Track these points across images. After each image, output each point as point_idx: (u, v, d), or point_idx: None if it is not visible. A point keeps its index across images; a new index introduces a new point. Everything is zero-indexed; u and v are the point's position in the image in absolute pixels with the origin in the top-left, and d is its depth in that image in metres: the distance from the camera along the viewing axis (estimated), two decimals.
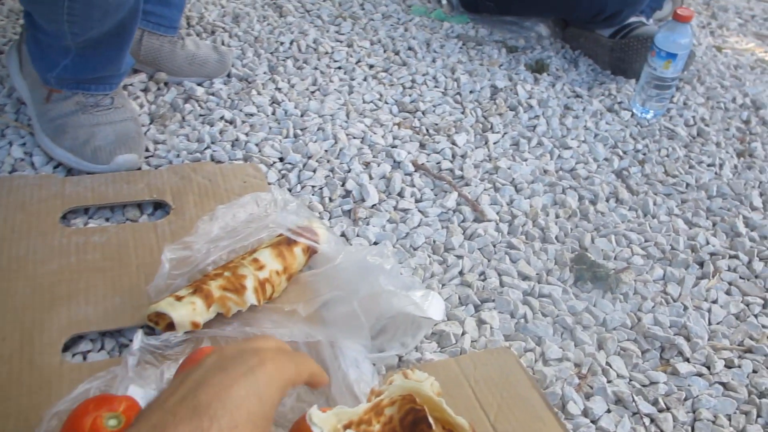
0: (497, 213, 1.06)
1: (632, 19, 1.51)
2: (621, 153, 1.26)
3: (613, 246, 1.03)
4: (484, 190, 1.10)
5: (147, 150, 1.08)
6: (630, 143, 1.30)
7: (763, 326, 0.94)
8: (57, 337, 0.74)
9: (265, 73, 1.31)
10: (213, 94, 1.22)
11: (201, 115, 1.17)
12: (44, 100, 1.04)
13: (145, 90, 1.21)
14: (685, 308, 0.95)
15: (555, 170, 1.19)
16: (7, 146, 1.04)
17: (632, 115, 1.39)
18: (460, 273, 0.95)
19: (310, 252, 0.86)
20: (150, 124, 1.14)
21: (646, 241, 1.06)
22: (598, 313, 0.91)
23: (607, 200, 1.14)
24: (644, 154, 1.27)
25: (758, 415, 0.82)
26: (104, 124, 1.02)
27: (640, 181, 1.20)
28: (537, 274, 0.96)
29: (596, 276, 0.96)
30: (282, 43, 1.40)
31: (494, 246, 1.00)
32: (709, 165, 1.28)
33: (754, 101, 1.51)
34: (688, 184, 1.21)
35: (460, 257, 0.97)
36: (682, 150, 1.30)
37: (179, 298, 0.76)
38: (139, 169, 1.03)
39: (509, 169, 1.16)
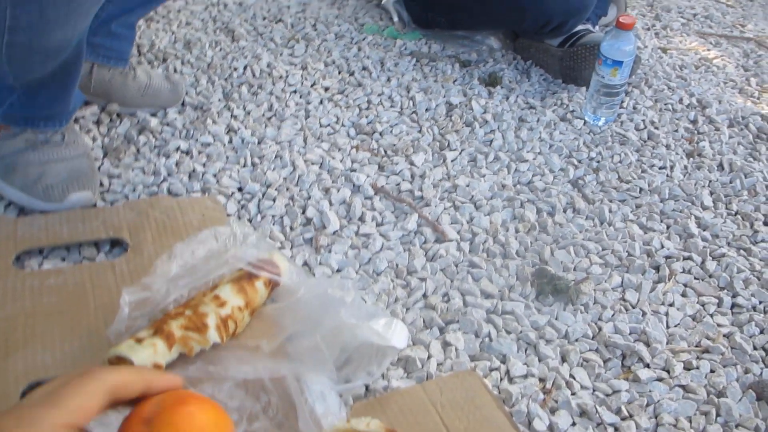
0: (458, 232, 1.07)
1: (579, 27, 1.55)
2: (576, 162, 1.29)
3: (572, 257, 1.05)
4: (444, 209, 1.12)
5: (102, 185, 1.07)
6: (584, 152, 1.32)
7: (719, 325, 0.97)
8: (14, 386, 0.73)
9: (219, 100, 1.30)
10: (167, 125, 1.21)
11: (156, 147, 1.16)
12: None
13: (98, 122, 1.20)
14: (644, 314, 0.97)
15: (513, 184, 1.21)
16: None
17: (585, 123, 1.41)
18: (424, 296, 0.95)
19: (272, 285, 0.86)
20: (104, 157, 1.12)
21: (603, 249, 1.08)
22: (560, 326, 0.93)
23: (565, 211, 1.16)
24: (598, 162, 1.30)
25: (717, 414, 0.84)
26: (56, 161, 1.01)
27: (595, 189, 1.23)
28: (499, 291, 0.98)
29: (557, 289, 0.98)
30: (236, 69, 1.40)
31: (456, 266, 1.01)
32: (660, 168, 1.31)
33: (699, 101, 1.55)
34: (641, 189, 1.24)
35: (423, 280, 0.97)
36: (634, 155, 1.33)
37: (139, 341, 0.75)
38: (95, 206, 1.01)
39: (468, 186, 1.17)
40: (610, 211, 1.16)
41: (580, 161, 1.29)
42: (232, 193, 1.08)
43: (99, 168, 1.09)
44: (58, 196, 0.97)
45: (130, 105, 1.21)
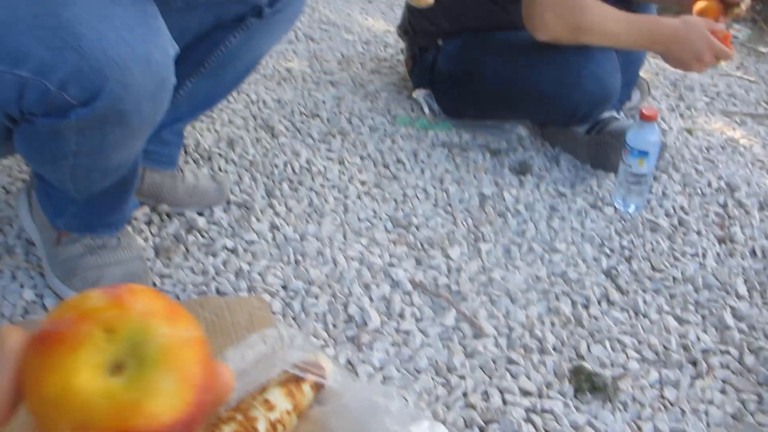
0: (495, 327, 1.10)
1: (604, 114, 1.60)
2: (608, 251, 1.32)
3: (608, 352, 1.07)
4: (481, 303, 1.15)
5: (153, 285, 1.13)
6: (616, 240, 1.35)
7: (760, 424, 0.97)
8: None
9: (262, 197, 1.37)
10: (214, 223, 1.28)
11: (204, 246, 1.22)
12: (54, 243, 1.08)
13: (149, 222, 1.26)
14: (683, 412, 0.98)
15: (547, 276, 1.24)
16: (19, 288, 1.08)
17: (615, 210, 1.45)
18: (464, 394, 0.98)
19: (318, 387, 0.90)
20: (155, 257, 1.19)
21: (639, 343, 1.10)
22: (599, 426, 0.94)
23: (599, 303, 1.18)
24: (630, 251, 1.33)
25: None
26: (112, 264, 1.07)
27: (629, 279, 1.25)
28: (538, 388, 1.00)
29: (595, 386, 1.00)
30: (276, 166, 1.47)
31: (494, 362, 1.04)
32: (692, 255, 1.33)
33: (728, 183, 1.58)
34: (674, 278, 1.26)
35: (462, 378, 1.00)
36: (665, 242, 1.36)
37: None
38: None
39: (503, 279, 1.21)
40: (644, 302, 1.18)
41: (612, 250, 1.32)
42: (277, 291, 1.13)
43: (151, 268, 1.15)
44: None
45: (179, 205, 1.29)
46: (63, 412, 0.27)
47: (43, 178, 1.03)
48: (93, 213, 1.06)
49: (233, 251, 1.22)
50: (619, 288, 1.22)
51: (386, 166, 1.52)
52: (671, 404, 0.99)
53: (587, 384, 1.00)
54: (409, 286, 1.16)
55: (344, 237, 1.28)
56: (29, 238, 1.16)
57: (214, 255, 1.20)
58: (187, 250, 1.21)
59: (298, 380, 0.88)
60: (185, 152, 1.49)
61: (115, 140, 0.88)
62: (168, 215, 1.28)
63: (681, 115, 1.96)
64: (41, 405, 0.28)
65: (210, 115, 1.64)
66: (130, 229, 1.21)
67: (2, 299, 1.05)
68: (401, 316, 1.11)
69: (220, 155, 1.49)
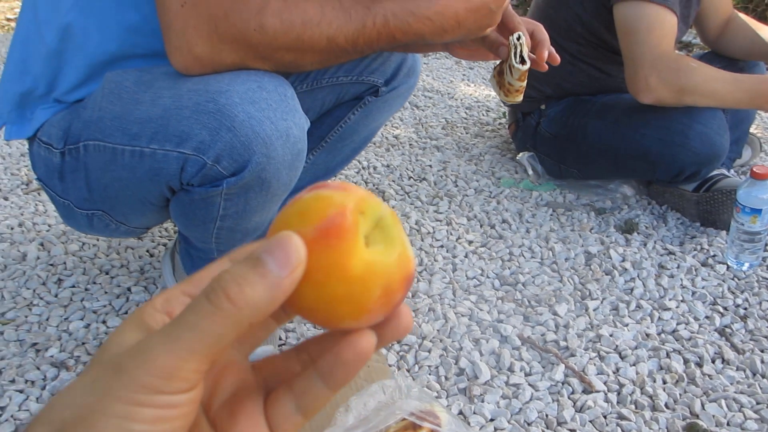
0: (604, 383, 1.12)
1: (714, 172, 1.59)
2: (721, 309, 1.30)
3: (724, 411, 1.06)
4: (590, 359, 1.17)
5: (279, 339, 1.23)
6: (729, 298, 1.33)
7: None
8: None
9: None
10: None
11: None
12: None
13: None
14: None
15: (657, 333, 1.24)
16: None
17: (728, 267, 1.43)
18: None
19: None
20: None
21: (758, 403, 1.08)
22: None
23: (713, 361, 1.17)
24: (745, 309, 1.31)
25: None
26: None
27: (744, 338, 1.23)
28: None
29: None
30: None
31: (605, 417, 1.05)
32: None
33: None
34: None
35: (573, 431, 1.02)
36: None
37: None
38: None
39: (611, 336, 1.22)
40: (762, 362, 1.16)
41: (726, 308, 1.31)
42: (392, 346, 1.20)
43: None
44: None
45: None
46: (370, 284, 0.32)
47: (188, 240, 1.17)
48: None
49: None
50: (734, 347, 1.21)
51: (492, 226, 1.58)
52: None
53: None
54: (518, 342, 1.20)
55: (453, 294, 1.34)
56: None
57: None
58: None
59: (415, 428, 0.94)
60: None
61: (256, 204, 1.00)
62: None
63: None
64: (348, 284, 0.32)
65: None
66: None
67: None
68: (510, 369, 1.14)
69: None
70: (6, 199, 1.69)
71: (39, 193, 1.70)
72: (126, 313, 1.27)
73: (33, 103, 1.02)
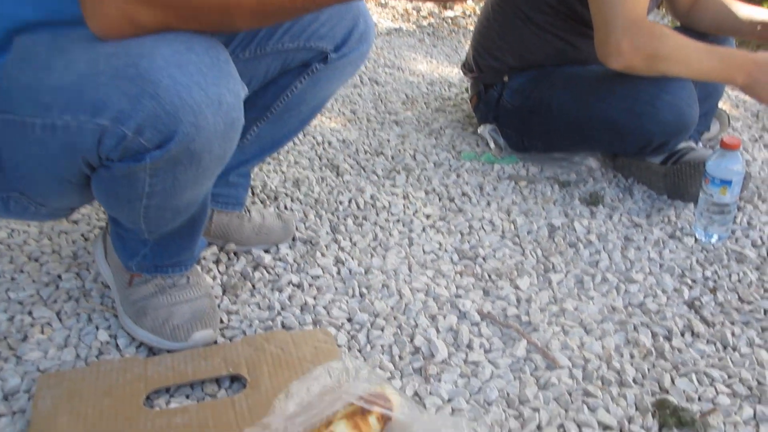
0: (569, 358, 1.05)
1: (681, 145, 1.54)
2: (690, 282, 1.24)
3: (695, 386, 1.00)
4: (553, 334, 1.10)
5: (221, 321, 1.13)
6: (698, 271, 1.28)
7: None
8: None
9: (327, 233, 1.37)
10: (280, 260, 1.28)
11: (270, 282, 1.23)
12: (126, 284, 1.11)
13: (217, 261, 1.28)
14: None
15: (623, 306, 1.18)
16: (94, 330, 1.10)
17: (696, 240, 1.37)
18: (538, 427, 0.92)
19: (385, 420, 0.86)
20: (223, 294, 1.19)
21: (729, 377, 1.02)
22: None
23: (683, 335, 1.11)
24: (715, 281, 1.25)
25: None
26: (181, 302, 1.08)
27: (714, 311, 1.17)
28: (618, 423, 0.93)
29: (681, 421, 0.92)
30: (341, 202, 1.48)
31: (570, 395, 0.98)
32: None
33: None
34: (765, 310, 1.17)
35: (536, 410, 0.95)
36: (753, 273, 1.27)
37: None
38: (215, 342, 1.07)
39: (576, 309, 1.15)
40: (733, 334, 1.10)
41: (694, 281, 1.25)
42: (342, 324, 1.12)
43: (219, 305, 1.16)
44: (184, 335, 1.03)
45: (246, 243, 1.30)
46: None
47: (117, 221, 1.06)
48: (163, 253, 1.08)
49: (298, 286, 1.21)
50: (704, 320, 1.15)
51: (451, 200, 1.50)
52: None
53: (673, 419, 0.93)
54: (477, 317, 1.13)
55: (409, 269, 1.26)
56: (104, 282, 1.20)
57: (280, 290, 1.20)
58: (254, 286, 1.22)
59: (364, 412, 0.85)
60: (252, 193, 1.52)
61: (186, 179, 0.90)
62: (235, 254, 1.30)
63: (766, 146, 1.87)
64: None
65: (276, 157, 1.68)
66: (199, 268, 1.23)
67: (78, 341, 1.08)
68: (469, 347, 1.07)
69: (286, 194, 1.51)
70: None
71: None
72: (55, 302, 1.16)
73: None
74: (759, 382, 1.00)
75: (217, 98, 0.82)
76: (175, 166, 0.85)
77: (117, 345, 1.08)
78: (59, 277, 1.22)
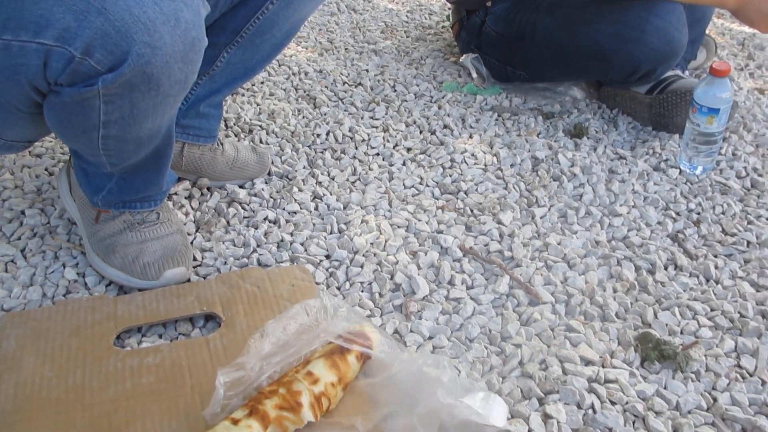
0: (552, 293, 1.03)
1: (668, 73, 1.49)
2: (674, 214, 1.22)
3: (677, 319, 0.99)
4: (536, 269, 1.08)
5: (195, 259, 1.09)
6: (682, 203, 1.26)
7: None
8: None
9: (304, 167, 1.32)
10: (255, 195, 1.24)
11: (245, 218, 1.18)
12: (93, 221, 1.06)
13: (189, 197, 1.23)
14: (763, 383, 0.89)
15: (607, 240, 1.16)
16: (61, 268, 1.06)
17: (680, 172, 1.35)
18: (520, 363, 0.91)
19: (364, 358, 0.85)
20: (196, 231, 1.15)
21: (712, 310, 1.01)
22: (670, 397, 0.86)
23: (666, 268, 1.10)
24: (698, 214, 1.23)
25: None
26: (151, 239, 1.04)
27: (697, 244, 1.16)
28: (600, 357, 0.92)
29: (664, 354, 0.92)
30: (318, 135, 1.42)
31: (552, 330, 0.97)
32: (767, 219, 1.22)
33: None
34: (749, 242, 1.16)
35: (518, 346, 0.93)
36: (737, 205, 1.25)
37: (235, 422, 0.74)
38: (188, 280, 1.03)
39: (559, 244, 1.13)
40: (716, 267, 1.09)
41: (678, 213, 1.23)
42: (320, 261, 1.08)
43: (192, 242, 1.12)
44: (155, 273, 0.99)
45: (220, 178, 1.25)
46: None
47: (78, 154, 1.00)
48: (130, 188, 1.03)
49: (275, 222, 1.17)
50: (687, 252, 1.13)
51: (432, 132, 1.46)
52: (750, 374, 0.91)
53: (655, 352, 0.92)
54: (459, 253, 1.10)
55: (389, 204, 1.22)
56: (71, 218, 1.15)
57: (256, 227, 1.16)
58: (228, 223, 1.17)
59: (342, 351, 0.83)
60: (226, 126, 1.46)
61: (145, 107, 0.84)
62: (209, 189, 1.25)
63: (751, 75, 1.82)
64: None
65: (251, 88, 1.61)
66: (170, 204, 1.19)
67: (45, 279, 1.04)
68: (451, 283, 1.04)
69: (261, 127, 1.45)
70: None
71: None
72: (19, 239, 1.11)
73: None
74: (741, 315, 1.00)
75: (173, 14, 0.75)
76: (131, 92, 0.79)
77: (85, 283, 1.04)
78: (23, 213, 1.17)
